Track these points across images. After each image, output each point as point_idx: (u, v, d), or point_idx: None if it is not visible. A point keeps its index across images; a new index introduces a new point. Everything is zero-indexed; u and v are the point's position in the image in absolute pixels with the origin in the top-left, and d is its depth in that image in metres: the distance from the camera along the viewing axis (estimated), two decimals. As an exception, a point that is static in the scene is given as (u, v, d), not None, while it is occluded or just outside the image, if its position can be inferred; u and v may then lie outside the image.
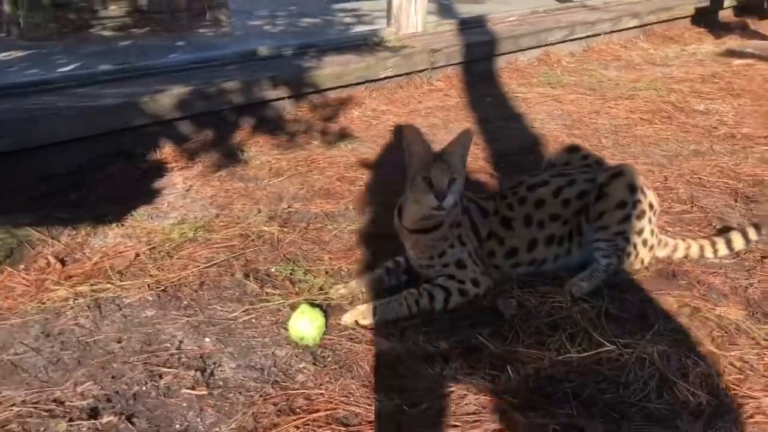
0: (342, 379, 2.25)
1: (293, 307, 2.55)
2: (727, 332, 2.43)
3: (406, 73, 5.61)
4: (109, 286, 2.83)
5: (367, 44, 6.02)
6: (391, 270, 2.80)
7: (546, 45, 6.81)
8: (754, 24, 8.68)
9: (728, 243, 3.01)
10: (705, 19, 8.70)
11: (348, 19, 8.08)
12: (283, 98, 4.86)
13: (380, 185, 3.81)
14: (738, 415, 2.02)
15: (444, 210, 2.51)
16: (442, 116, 5.02)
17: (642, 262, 2.83)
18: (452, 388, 2.18)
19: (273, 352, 2.41)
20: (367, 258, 2.98)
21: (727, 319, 2.49)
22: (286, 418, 2.07)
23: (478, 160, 4.13)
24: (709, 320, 2.50)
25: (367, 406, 2.12)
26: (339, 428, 2.03)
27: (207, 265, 2.97)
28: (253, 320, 2.60)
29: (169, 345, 2.46)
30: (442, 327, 2.52)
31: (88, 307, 2.68)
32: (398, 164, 4.12)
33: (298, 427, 2.04)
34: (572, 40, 7.07)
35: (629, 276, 2.81)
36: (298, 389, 2.22)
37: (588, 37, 7.25)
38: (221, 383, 2.26)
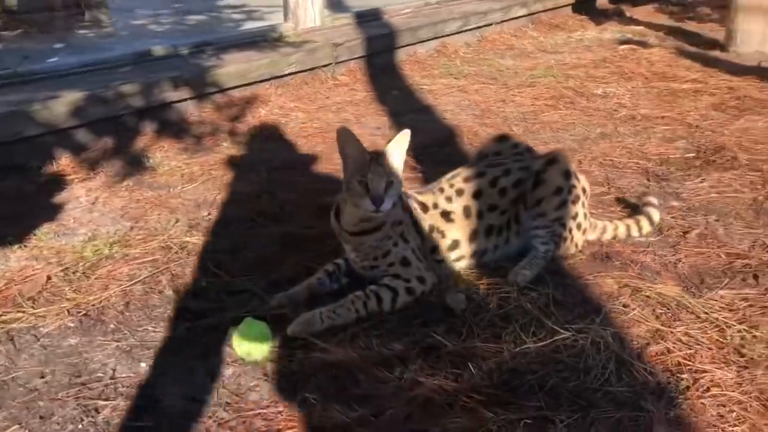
0: (299, 394, 2.13)
1: (235, 322, 2.40)
2: (669, 309, 2.49)
3: (310, 69, 5.49)
4: (20, 315, 2.57)
5: (267, 40, 5.83)
6: (331, 273, 2.70)
7: (443, 36, 6.86)
8: (628, 11, 9.13)
9: (649, 219, 3.10)
10: (585, 7, 9.08)
11: (237, 16, 7.83)
12: (186, 99, 4.62)
13: (304, 184, 3.68)
14: (696, 390, 2.07)
15: (382, 213, 2.44)
16: (353, 111, 4.94)
17: (576, 246, 2.86)
18: (416, 391, 2.11)
19: (219, 372, 2.26)
20: (305, 262, 2.85)
21: (666, 296, 2.56)
22: (248, 443, 1.94)
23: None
24: (650, 298, 2.55)
25: (332, 420, 2.01)
26: (306, 447, 1.92)
27: (130, 283, 2.76)
28: (191, 339, 2.42)
29: (101, 375, 2.26)
30: (394, 328, 2.44)
31: (0, 341, 2.42)
32: (320, 162, 4.05)
33: (262, 451, 1.91)
34: (467, 30, 7.16)
35: (566, 261, 2.84)
36: (253, 409, 2.08)
37: (481, 27, 7.37)
38: (168, 412, 2.08)
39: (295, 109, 4.96)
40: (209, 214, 3.36)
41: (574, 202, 2.75)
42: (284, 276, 2.79)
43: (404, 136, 2.48)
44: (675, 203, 3.41)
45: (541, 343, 2.29)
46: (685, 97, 5.11)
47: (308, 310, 2.50)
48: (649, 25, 7.99)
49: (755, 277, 2.71)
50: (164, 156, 4.16)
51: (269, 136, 4.45)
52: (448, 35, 6.90)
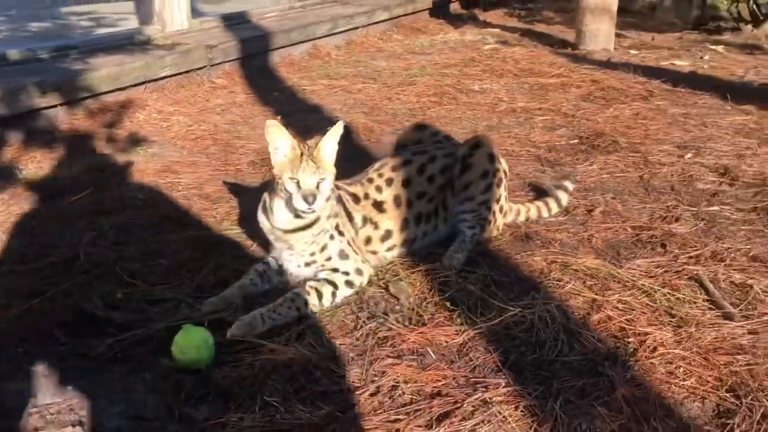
0: (257, 398, 2.00)
1: (170, 332, 2.21)
2: (597, 280, 2.60)
3: (186, 71, 5.24)
4: None
5: (134, 44, 5.51)
6: (262, 273, 2.57)
7: (314, 39, 6.81)
8: (481, 15, 9.56)
9: (557, 201, 3.23)
10: (440, 12, 9.39)
11: (86, 23, 7.32)
12: (55, 106, 4.25)
13: (203, 187, 3.49)
14: (644, 352, 2.16)
15: (314, 212, 2.36)
16: (239, 113, 4.77)
17: (498, 228, 2.93)
18: (380, 382, 2.05)
19: (161, 386, 2.07)
20: (230, 265, 2.70)
21: (591, 269, 2.67)
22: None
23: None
24: (579, 272, 2.65)
25: (299, 421, 1.91)
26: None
27: (35, 299, 2.47)
28: (121, 354, 2.21)
29: (21, 404, 2.00)
30: (341, 323, 2.37)
31: None
32: (214, 164, 3.86)
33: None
34: (336, 33, 7.15)
35: (491, 243, 2.89)
36: (210, 420, 1.92)
37: (348, 30, 7.40)
38: (114, 434, 1.88)
39: (176, 113, 4.71)
40: (109, 222, 3.09)
41: (498, 185, 2.81)
42: (207, 281, 2.63)
43: (337, 129, 2.42)
44: (554, 182, 3.57)
45: (492, 322, 2.31)
46: (555, 91, 5.40)
47: (245, 312, 2.37)
48: (504, 28, 8.39)
49: (663, 245, 2.90)
50: (38, 166, 3.80)
51: (154, 140, 4.19)
52: (319, 38, 6.86)
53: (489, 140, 2.83)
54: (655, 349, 2.19)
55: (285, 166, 2.36)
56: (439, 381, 2.05)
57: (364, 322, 2.35)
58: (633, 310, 2.40)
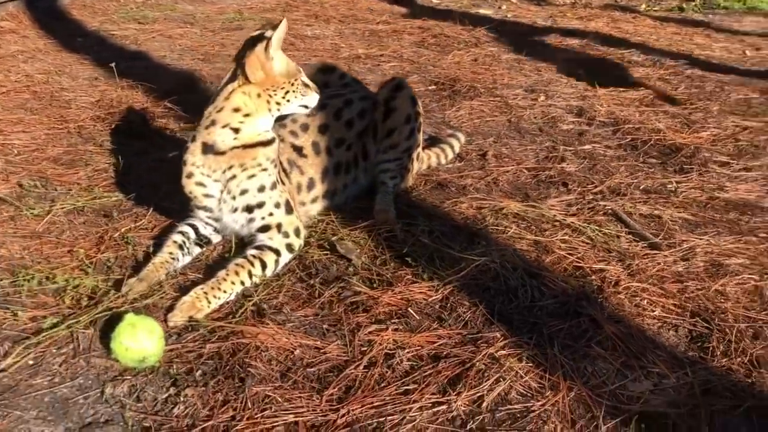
0: (247, 392, 1.69)
1: (108, 323, 1.79)
2: (530, 221, 2.58)
3: (-37, 12, 4.29)
4: None
5: None
6: (182, 245, 2.18)
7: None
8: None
9: (452, 148, 3.17)
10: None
11: None
12: None
13: (47, 149, 2.89)
14: (608, 287, 2.19)
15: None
16: (51, 61, 4.05)
17: (413, 177, 2.79)
18: (371, 353, 1.84)
19: (111, 391, 1.66)
20: (130, 237, 2.26)
21: (521, 211, 2.64)
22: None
23: (157, 105, 3.45)
24: (509, 216, 2.62)
25: (304, 414, 1.64)
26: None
27: None
28: (43, 362, 1.74)
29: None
30: (296, 293, 2.09)
31: None
32: (46, 123, 3.20)
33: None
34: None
35: (411, 193, 2.74)
36: (194, 424, 1.58)
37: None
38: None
39: (-34, 62, 3.85)
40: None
41: (419, 130, 2.66)
42: (113, 259, 2.18)
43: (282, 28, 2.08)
44: (448, 130, 3.53)
45: (460, 274, 2.18)
46: (388, 38, 5.31)
47: (179, 293, 1.99)
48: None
49: (564, 184, 2.97)
50: None
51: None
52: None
53: (406, 81, 2.65)
54: (616, 283, 2.22)
55: (290, 73, 2.12)
56: (435, 342, 1.89)
57: (320, 289, 2.10)
58: (576, 248, 2.42)
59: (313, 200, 2.43)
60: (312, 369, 1.78)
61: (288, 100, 2.10)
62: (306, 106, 2.17)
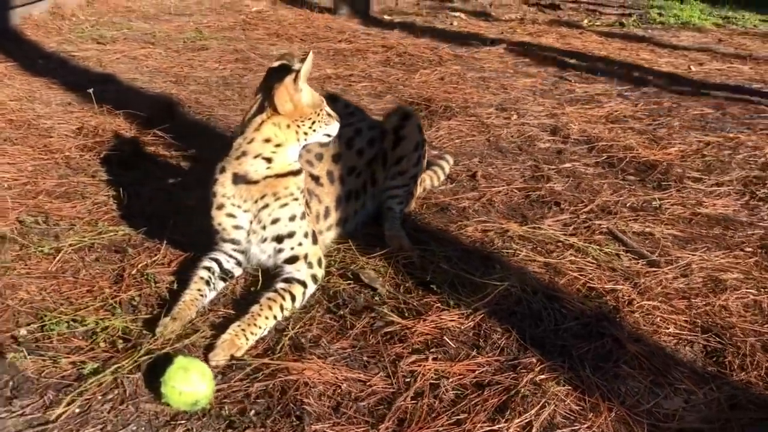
0: (300, 430, 1.70)
1: (152, 367, 1.76)
2: (536, 243, 2.67)
3: None
4: None
5: None
6: (208, 280, 2.16)
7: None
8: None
9: (442, 170, 3.24)
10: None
11: None
12: None
13: (38, 182, 2.81)
14: (623, 307, 2.29)
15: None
16: (18, 86, 3.90)
17: (415, 201, 2.84)
18: (416, 384, 1.87)
19: (167, 438, 1.65)
20: (150, 274, 2.22)
21: (525, 234, 2.73)
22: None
23: (144, 133, 3.38)
24: (514, 238, 2.70)
25: (365, 444, 1.67)
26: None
27: None
28: (90, 410, 1.71)
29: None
30: (327, 326, 2.11)
31: None
32: (30, 153, 3.10)
33: None
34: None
35: (414, 217, 2.79)
36: (262, 467, 1.59)
37: (88, -14, 6.46)
38: None
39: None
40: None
41: (424, 157, 2.71)
42: (138, 299, 2.14)
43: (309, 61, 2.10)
44: (434, 152, 3.60)
45: (485, 300, 2.24)
46: (353, 57, 5.35)
47: (216, 331, 1.98)
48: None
49: (556, 204, 3.07)
50: None
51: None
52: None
53: (413, 111, 2.70)
54: (630, 303, 2.32)
55: (315, 105, 2.14)
56: (476, 370, 1.94)
57: (350, 319, 2.12)
58: (584, 269, 2.52)
59: (329, 228, 2.45)
60: (362, 403, 1.80)
61: (314, 130, 2.12)
62: (329, 135, 2.20)
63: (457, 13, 7.89)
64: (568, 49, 6.17)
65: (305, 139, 2.13)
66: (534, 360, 1.99)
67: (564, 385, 1.91)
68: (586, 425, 1.79)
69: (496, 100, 4.55)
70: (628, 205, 3.09)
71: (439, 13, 7.78)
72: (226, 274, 2.22)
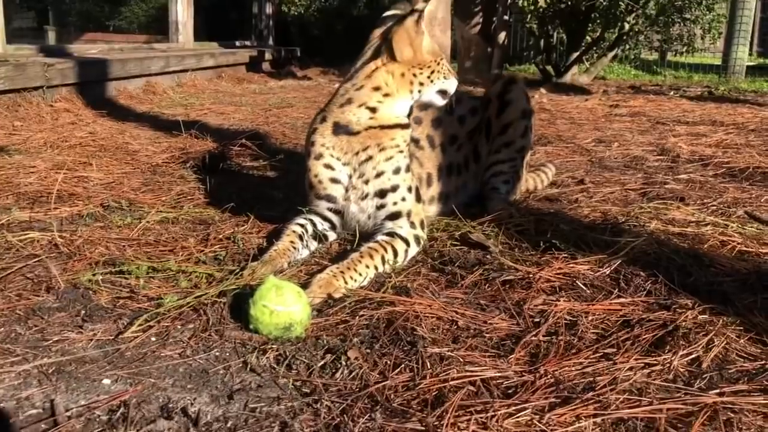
0: (413, 353, 1.39)
1: (239, 298, 1.52)
2: (667, 220, 2.33)
3: (20, 90, 4.25)
4: None
5: (-57, 57, 4.38)
6: (301, 236, 1.93)
7: (148, 75, 6.06)
8: (298, 71, 9.40)
9: (546, 175, 2.98)
10: (254, 68, 9.09)
11: None
12: None
13: (125, 182, 2.70)
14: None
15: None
16: (110, 126, 3.92)
17: (520, 190, 2.57)
18: (547, 323, 1.55)
19: (256, 363, 1.37)
20: (237, 237, 2.02)
21: (651, 210, 2.40)
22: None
23: (231, 145, 3.29)
24: (641, 216, 2.37)
25: (491, 373, 1.34)
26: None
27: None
28: (168, 336, 1.46)
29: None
30: (435, 278, 1.82)
31: None
32: (118, 166, 3.03)
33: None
34: (168, 72, 6.45)
35: (521, 203, 2.52)
36: (365, 386, 1.28)
37: (179, 71, 6.72)
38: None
39: (23, 129, 3.73)
40: (31, 211, 2.20)
41: (531, 131, 2.47)
42: (225, 255, 1.93)
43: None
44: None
45: (620, 254, 1.91)
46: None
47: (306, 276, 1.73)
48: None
49: (680, 199, 2.74)
50: None
51: (11, 149, 3.21)
52: (153, 74, 6.11)
53: (520, 77, 2.49)
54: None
55: (437, 50, 1.95)
56: (620, 310, 1.60)
57: (461, 273, 1.82)
58: (731, 237, 2.15)
59: (431, 201, 2.21)
60: (485, 337, 1.48)
61: (432, 81, 1.91)
62: (445, 92, 1.97)
63: (541, 90, 7.82)
64: (660, 108, 5.92)
65: (419, 92, 1.91)
66: (690, 302, 1.63)
67: (735, 327, 1.55)
68: (773, 361, 1.41)
69: (593, 136, 4.30)
70: (763, 199, 2.73)
71: (520, 90, 7.72)
72: (320, 236, 1.99)
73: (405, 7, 1.99)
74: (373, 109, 1.88)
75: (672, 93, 7.60)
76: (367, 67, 1.89)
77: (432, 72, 1.90)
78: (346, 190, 1.94)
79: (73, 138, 3.46)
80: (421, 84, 1.89)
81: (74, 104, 4.67)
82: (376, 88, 1.87)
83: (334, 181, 1.93)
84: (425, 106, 2.22)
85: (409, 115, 1.95)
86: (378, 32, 1.94)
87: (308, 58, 10.61)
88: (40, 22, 13.07)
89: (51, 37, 11.31)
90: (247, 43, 10.33)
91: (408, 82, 1.88)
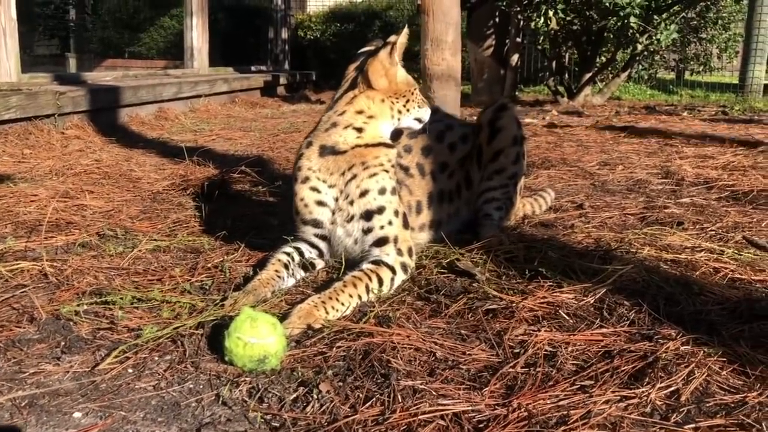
0: (386, 386, 1.38)
1: (216, 330, 1.52)
2: (660, 247, 2.31)
3: (32, 118, 4.33)
4: None
5: (-42, 87, 4.48)
6: (287, 264, 1.94)
7: (160, 101, 6.16)
8: (313, 96, 9.48)
9: (544, 199, 2.97)
10: (269, 92, 9.20)
11: None
12: None
13: (124, 209, 2.73)
14: (779, 292, 1.88)
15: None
16: (117, 153, 3.98)
17: (515, 215, 2.56)
18: (526, 354, 1.53)
19: (228, 396, 1.37)
20: (225, 266, 2.03)
21: (647, 237, 2.38)
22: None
23: (232, 172, 3.32)
24: (634, 243, 2.35)
25: (464, 406, 1.33)
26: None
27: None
28: (145, 368, 1.47)
29: None
30: (419, 307, 1.81)
31: None
32: (119, 193, 3.07)
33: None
34: (180, 98, 6.55)
35: (515, 229, 2.51)
36: (335, 421, 1.28)
37: (192, 97, 6.82)
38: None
39: (32, 156, 3.81)
40: (36, 237, 2.24)
41: (524, 157, 2.47)
42: (210, 283, 1.94)
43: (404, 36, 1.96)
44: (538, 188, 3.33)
45: (607, 282, 1.89)
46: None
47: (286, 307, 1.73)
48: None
49: (679, 224, 2.70)
50: None
51: (19, 176, 3.27)
52: (165, 100, 6.21)
53: (511, 104, 2.50)
54: (785, 290, 1.90)
55: (410, 88, 1.99)
56: (601, 340, 1.58)
57: (445, 302, 1.82)
58: (725, 264, 2.13)
59: (421, 228, 2.22)
60: (461, 368, 1.48)
61: (408, 110, 1.96)
62: (420, 120, 2.01)
63: (552, 112, 7.81)
64: (671, 128, 5.88)
65: (398, 119, 1.96)
66: (673, 333, 1.61)
67: (717, 358, 1.52)
68: (754, 393, 1.38)
69: (598, 158, 4.28)
70: (764, 223, 2.69)
71: (530, 111, 7.72)
72: (305, 264, 2.00)
73: (378, 43, 2.02)
74: (359, 129, 1.92)
75: (685, 113, 7.55)
76: (347, 95, 1.93)
77: (407, 101, 1.94)
78: (333, 213, 1.95)
79: (79, 165, 3.51)
80: (399, 111, 1.93)
81: (85, 131, 4.75)
82: (360, 112, 1.91)
83: (320, 203, 1.95)
84: (414, 134, 2.24)
85: (391, 140, 1.97)
86: (353, 66, 1.98)
87: (324, 82, 10.73)
88: (62, 49, 13.37)
89: (72, 64, 11.55)
90: (263, 67, 10.46)
91: (388, 108, 1.92)
